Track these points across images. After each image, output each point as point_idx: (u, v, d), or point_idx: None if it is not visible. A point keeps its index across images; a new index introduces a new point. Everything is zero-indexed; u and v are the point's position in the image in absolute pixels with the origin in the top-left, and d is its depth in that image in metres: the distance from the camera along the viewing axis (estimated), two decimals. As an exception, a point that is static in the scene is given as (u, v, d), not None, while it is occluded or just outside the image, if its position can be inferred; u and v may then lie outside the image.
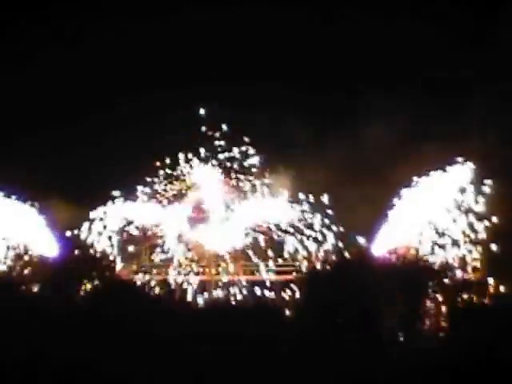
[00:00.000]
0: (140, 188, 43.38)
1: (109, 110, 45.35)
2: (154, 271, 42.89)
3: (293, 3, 47.14)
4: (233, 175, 44.12)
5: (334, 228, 42.54)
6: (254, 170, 43.96)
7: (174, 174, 44.07)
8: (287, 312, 36.83)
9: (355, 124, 43.60)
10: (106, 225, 43.07)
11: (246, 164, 43.98)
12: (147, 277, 42.15)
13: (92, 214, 42.87)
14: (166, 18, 46.89)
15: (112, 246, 42.89)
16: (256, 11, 46.41)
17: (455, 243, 40.89)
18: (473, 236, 40.90)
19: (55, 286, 36.77)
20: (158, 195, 43.82)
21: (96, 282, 37.98)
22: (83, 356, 28.82)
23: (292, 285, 40.58)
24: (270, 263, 42.92)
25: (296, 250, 42.75)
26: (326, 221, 42.73)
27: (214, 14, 46.81)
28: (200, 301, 41.51)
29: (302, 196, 42.81)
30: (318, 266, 40.42)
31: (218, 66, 46.21)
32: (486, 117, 42.05)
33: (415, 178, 41.42)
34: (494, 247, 40.02)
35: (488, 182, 40.89)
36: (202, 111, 43.02)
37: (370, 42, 46.19)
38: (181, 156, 43.89)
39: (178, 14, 46.80)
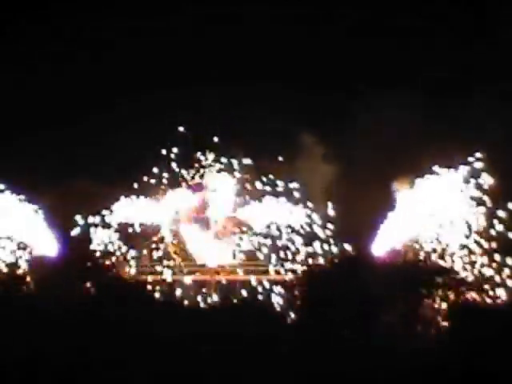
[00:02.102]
0: (140, 188, 43.53)
1: (109, 110, 45.38)
2: (155, 270, 42.99)
3: (293, 3, 47.18)
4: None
5: (334, 228, 42.66)
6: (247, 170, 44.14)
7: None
8: (287, 312, 36.86)
9: (354, 124, 43.60)
10: (107, 224, 43.14)
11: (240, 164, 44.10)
12: (148, 276, 42.19)
13: (92, 214, 42.97)
14: (166, 17, 46.91)
15: (112, 245, 42.96)
16: (256, 11, 46.45)
17: (456, 243, 40.95)
18: (474, 236, 40.96)
19: (55, 285, 36.74)
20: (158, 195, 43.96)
21: (96, 282, 37.94)
22: (83, 356, 28.84)
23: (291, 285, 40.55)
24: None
25: (295, 250, 42.90)
26: (326, 221, 42.87)
27: (213, 14, 46.86)
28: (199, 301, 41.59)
29: (300, 196, 42.92)
30: (318, 266, 40.50)
31: (218, 66, 46.25)
32: (485, 117, 42.05)
33: (415, 178, 41.44)
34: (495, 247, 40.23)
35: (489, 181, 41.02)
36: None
37: (369, 42, 46.22)
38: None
39: (178, 14, 46.85)
